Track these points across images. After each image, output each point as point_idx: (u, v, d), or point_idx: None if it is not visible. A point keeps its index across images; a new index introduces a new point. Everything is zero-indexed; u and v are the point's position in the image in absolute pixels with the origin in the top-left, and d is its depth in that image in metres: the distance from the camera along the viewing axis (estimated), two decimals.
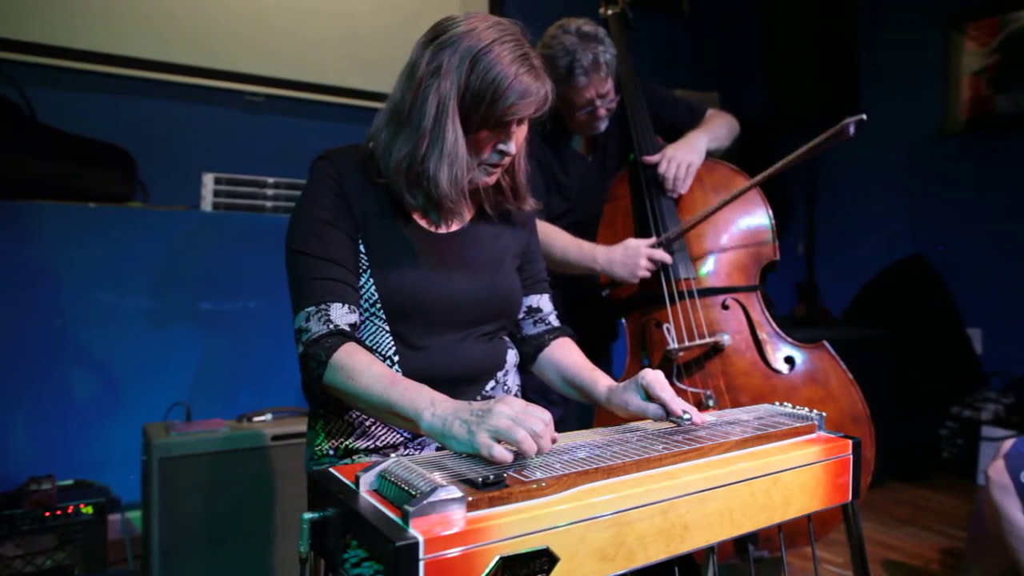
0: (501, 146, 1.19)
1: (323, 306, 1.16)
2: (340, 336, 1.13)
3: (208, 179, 2.67)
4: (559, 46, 1.90)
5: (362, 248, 1.22)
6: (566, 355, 1.36)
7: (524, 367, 1.42)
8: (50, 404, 2.45)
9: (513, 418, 0.89)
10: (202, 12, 2.88)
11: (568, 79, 1.90)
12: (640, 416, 1.16)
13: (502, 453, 0.87)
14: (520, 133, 1.22)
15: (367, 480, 0.83)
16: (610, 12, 2.17)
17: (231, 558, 2.00)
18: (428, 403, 0.98)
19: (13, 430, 2.39)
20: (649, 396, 1.14)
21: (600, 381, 1.26)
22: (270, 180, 2.78)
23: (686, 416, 1.10)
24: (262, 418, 2.17)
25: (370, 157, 1.25)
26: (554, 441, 0.93)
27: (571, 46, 1.89)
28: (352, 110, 3.22)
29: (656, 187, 1.97)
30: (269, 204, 2.77)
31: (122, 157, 2.64)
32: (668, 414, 1.12)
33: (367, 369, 1.07)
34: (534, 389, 1.75)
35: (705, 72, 4.41)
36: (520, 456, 0.89)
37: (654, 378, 1.13)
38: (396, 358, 1.21)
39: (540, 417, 0.91)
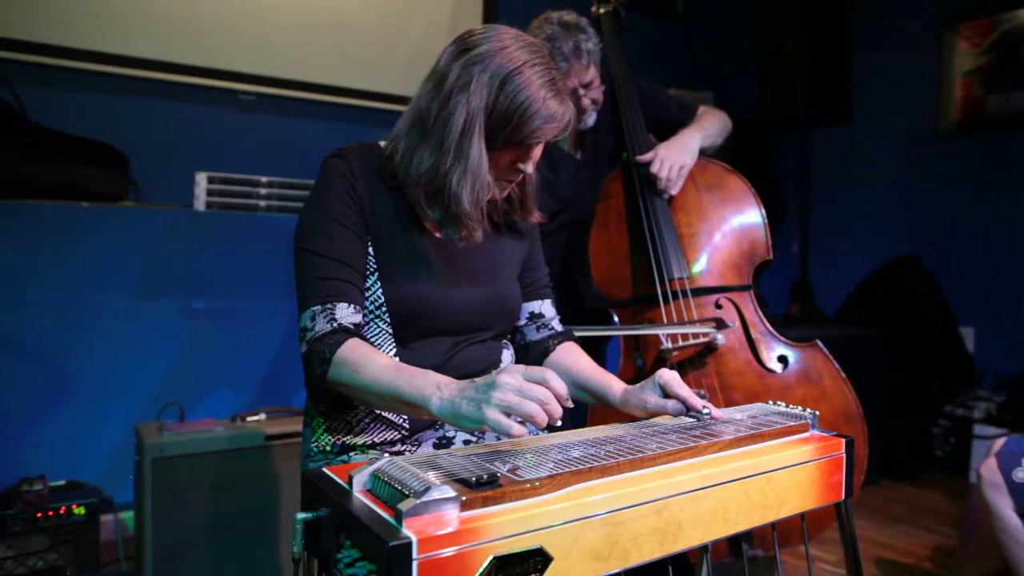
0: (519, 164, 1.21)
1: (329, 305, 1.17)
2: (344, 333, 1.14)
3: (201, 178, 2.66)
4: (541, 35, 1.90)
5: (371, 250, 1.23)
6: (574, 360, 1.37)
7: None
8: (42, 404, 2.44)
9: (519, 390, 0.91)
10: (195, 10, 2.87)
11: None
12: (659, 414, 1.18)
13: (520, 430, 0.90)
14: (537, 152, 1.23)
15: (360, 480, 0.82)
16: (602, 11, 2.17)
17: (225, 558, 2.00)
18: (435, 387, 1.00)
19: (5, 430, 2.37)
20: (667, 394, 1.16)
21: (614, 384, 1.27)
22: (263, 179, 2.77)
23: (706, 411, 1.12)
24: (256, 418, 2.16)
25: (387, 160, 1.25)
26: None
27: (552, 34, 1.89)
28: (347, 109, 3.21)
29: (649, 187, 1.97)
30: (262, 203, 2.75)
31: (115, 156, 2.63)
32: (688, 410, 1.14)
33: (372, 361, 1.08)
34: None
35: (699, 72, 4.42)
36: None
37: (671, 377, 1.16)
38: (396, 359, 1.22)
39: (542, 378, 0.92)
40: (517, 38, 1.17)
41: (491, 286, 1.31)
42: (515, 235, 1.40)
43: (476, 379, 0.97)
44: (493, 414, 0.90)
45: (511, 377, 0.92)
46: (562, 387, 0.94)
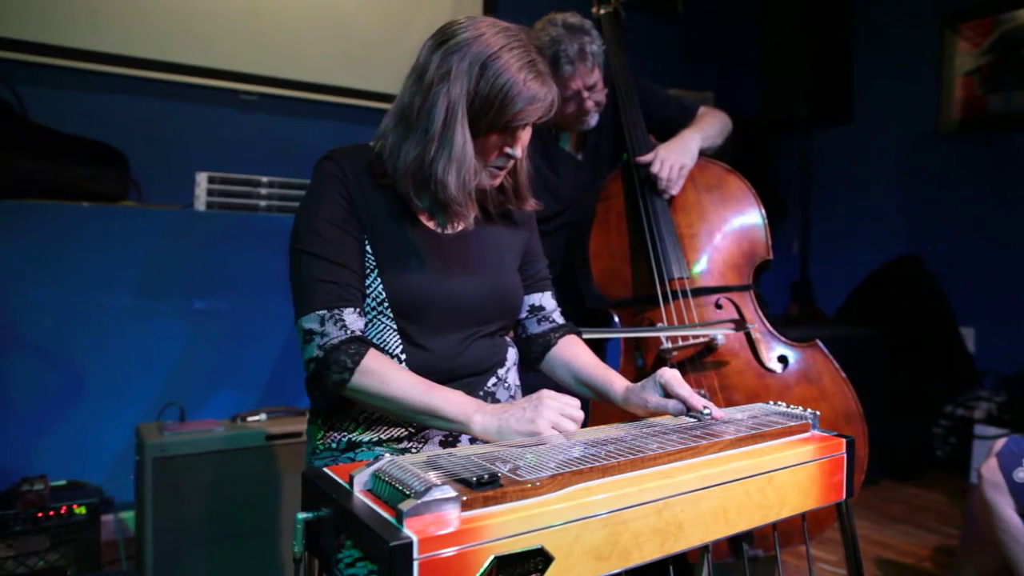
0: (508, 150, 1.22)
1: (336, 311, 1.17)
2: (360, 343, 1.16)
3: (202, 178, 2.66)
4: (545, 38, 1.90)
5: (368, 249, 1.24)
6: (577, 354, 1.38)
7: (531, 366, 1.44)
8: (43, 404, 2.44)
9: (561, 409, 1.06)
10: (197, 10, 2.87)
11: (554, 70, 1.89)
12: (659, 413, 1.18)
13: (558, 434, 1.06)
14: (525, 136, 1.24)
15: (361, 480, 0.82)
16: (603, 11, 2.17)
17: (225, 558, 2.00)
18: (476, 407, 1.11)
19: (6, 430, 2.37)
20: (668, 393, 1.17)
21: (616, 381, 1.28)
22: (264, 179, 2.77)
23: (706, 411, 1.13)
24: (256, 418, 2.16)
25: (377, 158, 1.26)
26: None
27: (557, 37, 1.89)
28: (347, 109, 3.21)
29: (650, 187, 1.97)
30: (263, 203, 2.76)
31: (115, 156, 2.63)
32: (688, 410, 1.15)
33: (399, 375, 1.14)
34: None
35: (700, 72, 4.42)
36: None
37: (672, 376, 1.17)
38: (403, 356, 1.23)
39: (576, 403, 1.09)
40: (493, 25, 1.17)
41: (491, 276, 1.31)
42: (512, 225, 1.40)
43: (509, 404, 1.10)
44: (546, 427, 1.03)
45: (553, 399, 1.07)
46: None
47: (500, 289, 1.32)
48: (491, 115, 1.15)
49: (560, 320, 1.45)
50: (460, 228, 1.30)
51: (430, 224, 1.29)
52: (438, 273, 1.25)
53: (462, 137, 1.15)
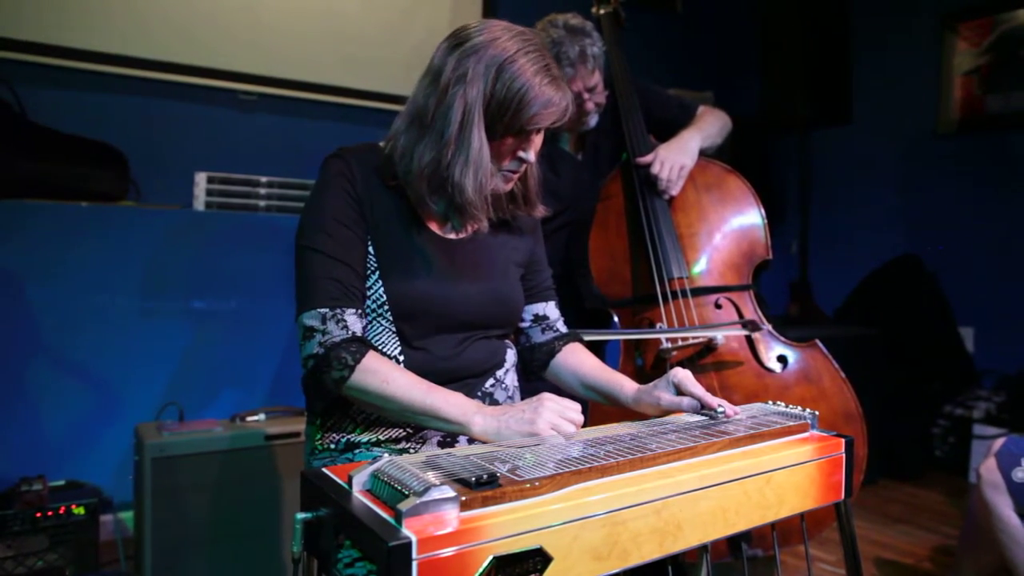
0: (521, 154, 1.22)
1: (338, 310, 1.18)
2: (361, 343, 1.16)
3: (201, 178, 2.66)
4: (546, 39, 1.90)
5: (371, 251, 1.24)
6: (582, 361, 1.39)
7: (535, 374, 1.45)
8: (42, 404, 2.44)
9: (561, 412, 1.06)
10: (196, 10, 2.87)
11: None
12: (672, 412, 1.19)
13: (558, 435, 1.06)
14: (538, 141, 1.24)
15: (360, 480, 0.82)
16: (602, 11, 2.17)
17: (224, 558, 2.00)
18: (476, 408, 1.11)
19: (4, 430, 2.37)
20: (681, 392, 1.19)
21: (625, 383, 1.29)
22: (263, 179, 2.77)
23: (720, 409, 1.14)
24: (255, 418, 2.16)
25: (387, 160, 1.26)
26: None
27: (558, 39, 1.90)
28: (346, 109, 3.21)
29: (649, 187, 1.98)
30: (262, 203, 2.75)
31: (114, 156, 2.63)
32: (703, 407, 1.16)
33: (400, 375, 1.14)
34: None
35: (699, 72, 4.42)
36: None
37: (685, 376, 1.19)
38: (401, 357, 1.23)
39: (575, 405, 1.08)
40: (508, 29, 1.18)
41: (493, 283, 1.31)
42: (517, 233, 1.40)
43: (509, 407, 1.09)
44: (545, 428, 1.03)
45: (553, 402, 1.06)
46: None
47: (501, 296, 1.32)
48: (507, 118, 1.15)
49: (564, 329, 1.46)
50: (467, 233, 1.31)
51: (436, 228, 1.29)
52: (441, 278, 1.25)
53: (479, 140, 1.15)
